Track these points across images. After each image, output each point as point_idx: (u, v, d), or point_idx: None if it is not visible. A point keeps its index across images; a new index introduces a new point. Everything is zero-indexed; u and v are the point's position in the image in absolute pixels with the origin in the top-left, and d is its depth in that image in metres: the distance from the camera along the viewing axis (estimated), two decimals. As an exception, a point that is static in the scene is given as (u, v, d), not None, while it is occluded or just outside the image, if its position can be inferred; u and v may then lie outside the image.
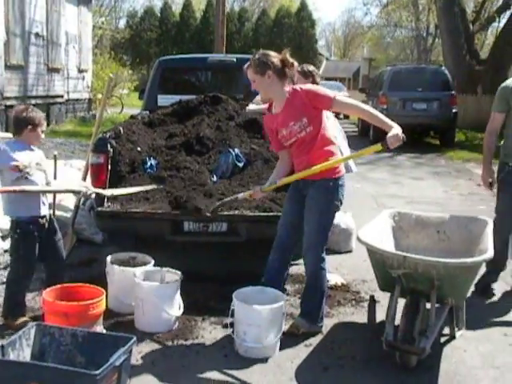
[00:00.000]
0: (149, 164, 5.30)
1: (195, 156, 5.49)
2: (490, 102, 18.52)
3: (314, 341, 4.12)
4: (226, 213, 4.73)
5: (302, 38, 43.99)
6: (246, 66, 4.08)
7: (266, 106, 5.12)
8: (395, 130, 3.72)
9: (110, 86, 5.03)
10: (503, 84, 4.98)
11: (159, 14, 45.68)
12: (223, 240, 5.02)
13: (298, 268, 5.33)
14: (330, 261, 5.81)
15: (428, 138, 16.75)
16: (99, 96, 21.12)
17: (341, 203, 4.17)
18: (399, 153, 13.63)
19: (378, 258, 3.87)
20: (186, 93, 6.75)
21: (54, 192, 4.43)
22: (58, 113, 16.71)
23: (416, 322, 3.67)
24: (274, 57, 4.02)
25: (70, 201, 6.04)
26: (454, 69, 19.19)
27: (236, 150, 5.40)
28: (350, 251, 6.19)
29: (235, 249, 5.14)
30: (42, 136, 4.18)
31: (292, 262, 5.47)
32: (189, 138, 5.62)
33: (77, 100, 18.38)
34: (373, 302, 4.72)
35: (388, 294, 4.15)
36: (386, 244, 4.26)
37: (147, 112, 6.59)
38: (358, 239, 3.96)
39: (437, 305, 3.82)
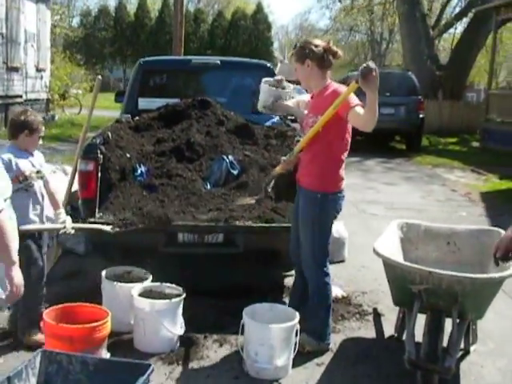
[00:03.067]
0: (139, 171, 5.02)
1: (186, 163, 5.23)
2: (451, 108, 18.70)
3: (326, 359, 3.95)
4: (222, 224, 4.49)
5: (258, 41, 43.89)
6: (289, 53, 3.96)
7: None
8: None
9: (98, 87, 4.72)
10: None
11: (114, 14, 44.89)
12: (220, 251, 4.79)
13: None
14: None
15: (393, 142, 16.83)
16: (57, 96, 20.57)
17: (334, 217, 4.02)
18: (367, 157, 13.62)
19: (397, 273, 3.70)
20: (168, 96, 6.47)
21: (42, 230, 4.08)
22: (16, 114, 16.01)
23: (439, 340, 3.52)
24: (316, 45, 3.83)
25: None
26: (414, 74, 19.31)
27: (230, 157, 5.17)
28: (343, 261, 6.03)
29: (233, 260, 4.93)
30: (40, 142, 4.01)
31: (287, 274, 5.35)
32: (178, 144, 5.35)
33: (35, 100, 17.71)
34: (377, 315, 4.60)
35: (391, 307, 4.05)
36: (396, 256, 4.09)
37: (128, 115, 6.27)
38: (376, 253, 3.78)
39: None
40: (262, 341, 3.64)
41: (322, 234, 3.96)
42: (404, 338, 4.04)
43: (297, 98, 4.55)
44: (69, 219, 4.14)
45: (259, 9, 45.25)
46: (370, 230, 7.23)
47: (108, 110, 18.35)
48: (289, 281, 5.24)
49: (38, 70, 18.09)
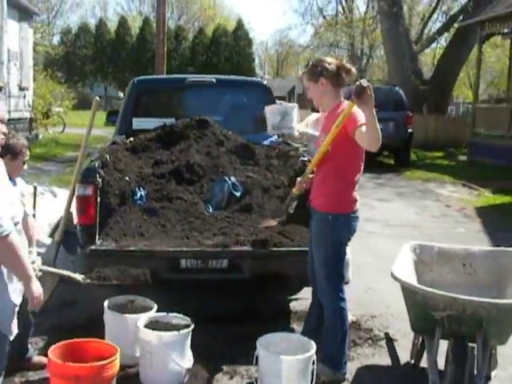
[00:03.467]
0: (139, 195, 4.84)
1: (186, 185, 5.05)
2: (436, 122, 18.88)
3: (343, 390, 3.78)
4: (228, 249, 4.33)
5: (239, 57, 43.90)
6: (301, 72, 3.79)
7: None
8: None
9: (96, 108, 4.54)
10: None
11: (94, 31, 44.69)
12: (224, 277, 4.60)
13: (300, 304, 4.99)
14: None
15: (381, 157, 16.77)
16: (40, 115, 20.25)
17: (347, 239, 3.89)
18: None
19: (417, 299, 3.55)
20: (163, 115, 6.29)
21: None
22: (-1, 133, 15.66)
23: (465, 368, 3.37)
24: (329, 63, 3.73)
25: (45, 235, 5.46)
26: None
27: (232, 178, 5.00)
28: (347, 282, 5.84)
29: (237, 286, 4.75)
30: (25, 167, 3.73)
31: (292, 297, 5.19)
32: (178, 166, 5.17)
33: (18, 119, 17.41)
34: (390, 341, 4.46)
35: (403, 332, 4.02)
36: (410, 279, 3.95)
37: (123, 136, 6.08)
38: (394, 277, 3.64)
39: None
40: (278, 373, 3.47)
41: (336, 256, 3.82)
42: (422, 364, 3.91)
43: (306, 120, 4.43)
44: (39, 260, 3.80)
45: (240, 25, 45.29)
46: (370, 248, 7.10)
47: (95, 128, 18.09)
48: (294, 305, 5.09)
49: (21, 88, 17.82)
